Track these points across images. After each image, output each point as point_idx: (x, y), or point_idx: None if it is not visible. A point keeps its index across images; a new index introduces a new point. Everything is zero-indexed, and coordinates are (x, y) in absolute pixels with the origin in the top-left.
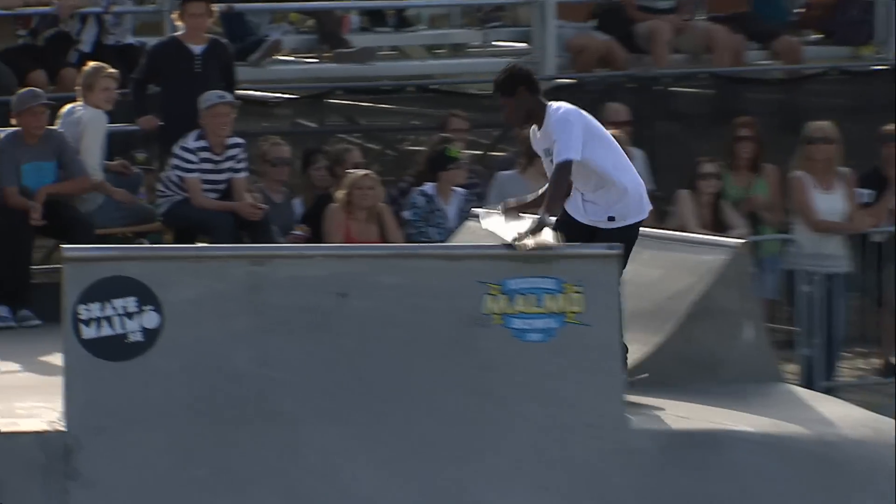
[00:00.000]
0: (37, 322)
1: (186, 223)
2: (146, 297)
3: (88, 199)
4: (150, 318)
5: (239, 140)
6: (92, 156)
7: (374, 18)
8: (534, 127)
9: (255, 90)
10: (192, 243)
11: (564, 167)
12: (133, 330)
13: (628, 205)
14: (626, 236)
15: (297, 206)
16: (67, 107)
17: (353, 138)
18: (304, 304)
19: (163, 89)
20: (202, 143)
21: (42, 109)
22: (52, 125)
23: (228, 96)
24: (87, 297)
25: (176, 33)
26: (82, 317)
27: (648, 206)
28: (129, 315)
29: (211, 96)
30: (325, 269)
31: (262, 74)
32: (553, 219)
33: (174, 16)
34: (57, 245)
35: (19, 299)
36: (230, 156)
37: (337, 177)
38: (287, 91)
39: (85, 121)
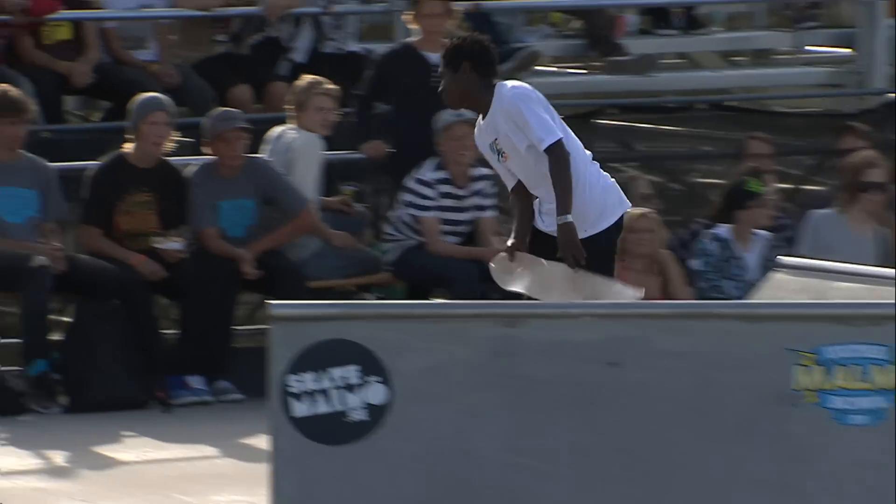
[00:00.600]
0: (237, 396)
1: (421, 274)
2: (371, 366)
3: (301, 244)
4: (375, 392)
5: (486, 171)
6: (304, 190)
7: (657, 19)
8: (479, 118)
9: None
10: (428, 299)
11: (558, 150)
12: (355, 406)
13: (595, 205)
14: (601, 245)
15: None
16: (276, 129)
17: (628, 167)
18: (566, 375)
19: (393, 108)
20: (441, 175)
21: (238, 135)
22: (255, 152)
23: (471, 115)
24: (298, 365)
25: (409, 39)
26: (293, 390)
27: (624, 204)
28: (350, 388)
29: (449, 115)
30: (593, 331)
31: None
32: (570, 217)
33: (407, 17)
34: (262, 301)
35: (217, 368)
36: (475, 190)
37: None
38: None
39: (296, 147)
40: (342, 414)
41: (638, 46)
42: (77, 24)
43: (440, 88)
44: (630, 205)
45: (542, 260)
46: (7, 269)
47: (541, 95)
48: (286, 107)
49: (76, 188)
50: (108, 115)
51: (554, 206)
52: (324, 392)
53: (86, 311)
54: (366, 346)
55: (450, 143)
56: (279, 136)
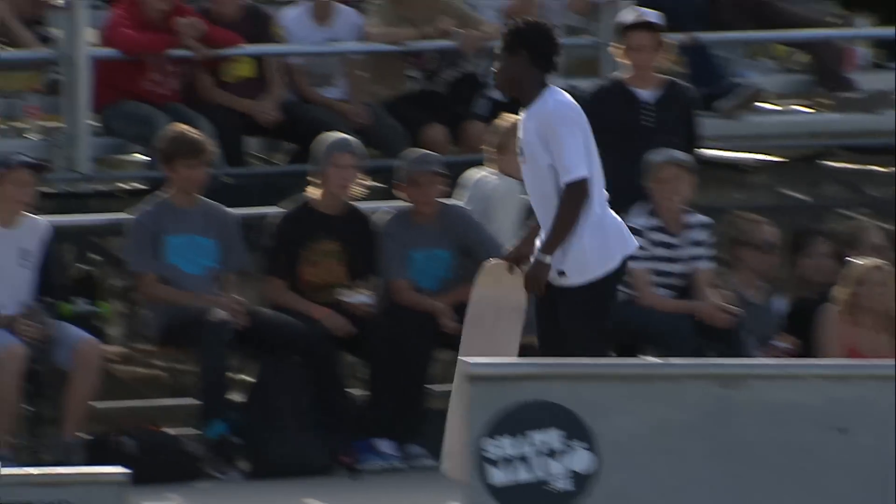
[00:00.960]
0: (430, 462)
1: (630, 329)
2: (575, 430)
3: None
4: (580, 459)
5: (703, 218)
6: (503, 239)
7: (891, 51)
8: (522, 110)
9: (725, 149)
10: (637, 356)
11: (578, 189)
12: (558, 474)
13: (593, 250)
14: (595, 296)
15: (780, 306)
16: (473, 173)
17: (859, 214)
18: (790, 441)
19: (600, 148)
20: (653, 222)
21: (434, 180)
22: (450, 197)
23: (682, 156)
24: (496, 428)
25: (617, 74)
26: (490, 455)
27: (627, 248)
28: (553, 454)
29: (658, 155)
30: (820, 394)
31: (734, 128)
32: (549, 258)
33: (615, 51)
34: (454, 358)
35: (408, 431)
36: (691, 238)
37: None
38: (768, 151)
39: (495, 193)
40: (544, 482)
41: (870, 82)
42: (260, 60)
43: (494, 68)
44: (636, 245)
45: (521, 299)
46: (184, 323)
47: (584, 119)
48: (484, 148)
49: (258, 236)
50: (293, 157)
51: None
52: (524, 458)
53: (268, 369)
54: (569, 409)
55: (660, 185)
56: (477, 181)
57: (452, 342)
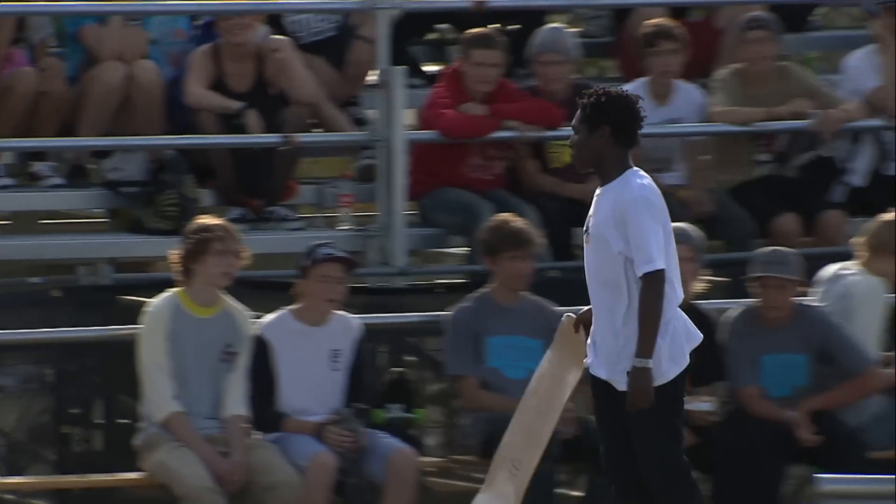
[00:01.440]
0: None
1: None
2: None
3: (858, 405)
4: None
5: None
6: (866, 344)
7: None
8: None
9: None
10: None
11: (658, 280)
12: None
13: (664, 353)
14: (665, 398)
15: None
16: (830, 269)
17: None
18: None
19: None
20: None
21: (787, 283)
22: (808, 298)
23: None
24: None
25: None
26: None
27: (693, 342)
28: None
29: None
30: None
31: None
32: (650, 362)
33: None
34: (810, 475)
35: None
36: None
37: None
38: None
39: (857, 293)
40: None
41: None
42: None
43: (569, 142)
44: (700, 337)
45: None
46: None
47: (664, 206)
48: (854, 243)
49: None
50: None
51: (610, 343)
52: None
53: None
54: None
55: None
56: (834, 277)
57: (808, 457)
